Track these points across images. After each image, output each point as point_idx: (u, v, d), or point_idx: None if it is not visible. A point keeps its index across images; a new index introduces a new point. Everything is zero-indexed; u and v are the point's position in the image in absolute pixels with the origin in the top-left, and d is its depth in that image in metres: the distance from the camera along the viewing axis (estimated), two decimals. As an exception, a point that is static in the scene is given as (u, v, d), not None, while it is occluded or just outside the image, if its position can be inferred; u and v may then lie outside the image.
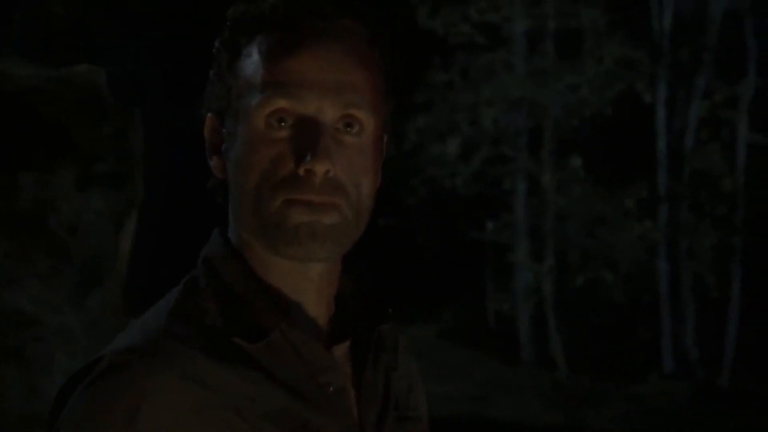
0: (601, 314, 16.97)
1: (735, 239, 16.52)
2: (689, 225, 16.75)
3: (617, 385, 14.85)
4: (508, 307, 17.35)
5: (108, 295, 5.52)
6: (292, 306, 1.30)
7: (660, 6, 16.89)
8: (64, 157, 5.22)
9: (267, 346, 1.26)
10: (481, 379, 14.55)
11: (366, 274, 1.40)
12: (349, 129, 1.28)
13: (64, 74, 5.37)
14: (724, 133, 16.86)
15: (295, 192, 1.26)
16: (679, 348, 16.47)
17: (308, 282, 1.31)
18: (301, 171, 1.25)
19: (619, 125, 16.71)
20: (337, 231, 1.27)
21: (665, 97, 16.84)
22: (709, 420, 13.86)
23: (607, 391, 14.71)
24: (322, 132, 1.26)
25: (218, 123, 1.34)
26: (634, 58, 16.81)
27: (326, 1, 1.30)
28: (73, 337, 5.24)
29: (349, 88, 1.28)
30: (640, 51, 16.82)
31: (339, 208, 1.27)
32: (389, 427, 1.33)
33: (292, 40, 1.28)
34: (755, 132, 16.57)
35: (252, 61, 1.30)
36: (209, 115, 1.35)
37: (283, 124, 1.27)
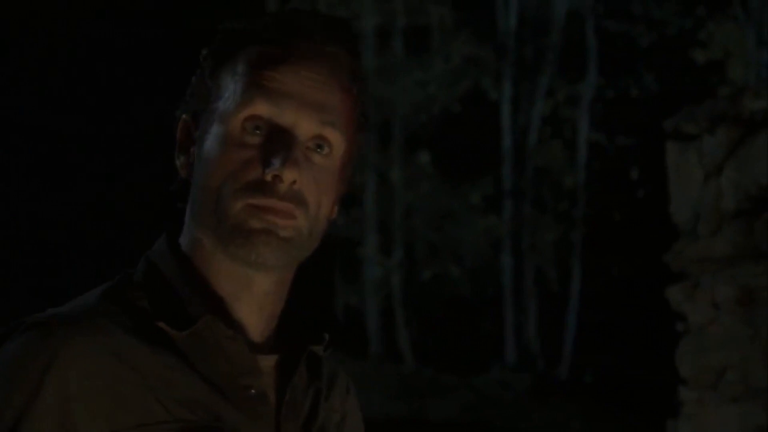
0: (447, 308, 17.21)
1: (575, 234, 16.96)
2: (532, 220, 17.13)
3: (461, 376, 15.08)
4: (357, 300, 17.44)
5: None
6: (227, 308, 1.32)
7: (506, 5, 17.21)
8: None
9: (191, 337, 1.28)
10: (328, 372, 14.57)
11: (306, 297, 1.42)
12: (319, 149, 1.32)
13: None
14: (566, 131, 17.28)
15: (258, 197, 1.28)
16: (521, 340, 16.83)
17: (250, 291, 1.33)
18: (268, 176, 1.28)
19: (465, 122, 16.96)
20: (290, 242, 1.30)
21: (510, 95, 17.15)
22: (548, 409, 14.22)
23: (451, 383, 14.93)
24: (294, 143, 1.29)
25: (192, 124, 1.36)
26: (481, 56, 17.09)
27: (317, 26, 1.36)
28: None
29: (326, 108, 1.32)
30: (486, 49, 17.12)
31: (296, 220, 1.30)
32: None
33: (279, 54, 1.32)
34: (595, 130, 17.02)
35: (236, 67, 1.32)
36: (183, 116, 1.37)
37: (258, 131, 1.30)
